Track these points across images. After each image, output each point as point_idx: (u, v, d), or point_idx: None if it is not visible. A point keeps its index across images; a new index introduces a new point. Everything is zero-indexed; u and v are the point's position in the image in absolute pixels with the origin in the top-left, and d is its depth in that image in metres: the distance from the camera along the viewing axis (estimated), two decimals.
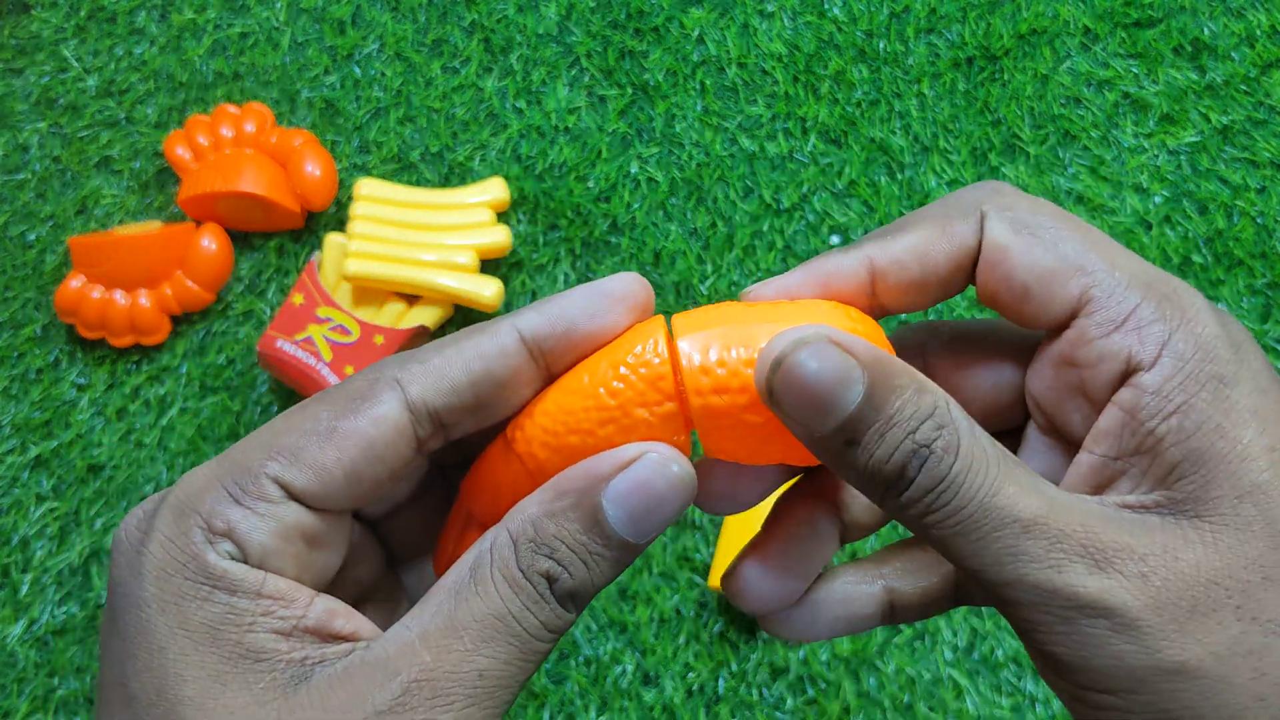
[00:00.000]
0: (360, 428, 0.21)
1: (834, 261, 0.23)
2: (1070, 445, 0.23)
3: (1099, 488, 0.22)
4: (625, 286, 0.23)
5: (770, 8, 0.68)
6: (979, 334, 0.26)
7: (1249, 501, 0.19)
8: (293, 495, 0.21)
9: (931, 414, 0.20)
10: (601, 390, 0.22)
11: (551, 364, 0.23)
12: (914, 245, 0.23)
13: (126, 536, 0.22)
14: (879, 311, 0.24)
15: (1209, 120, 0.64)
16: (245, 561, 0.21)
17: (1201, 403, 0.20)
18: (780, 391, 0.20)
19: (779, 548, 0.25)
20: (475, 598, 0.21)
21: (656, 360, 0.21)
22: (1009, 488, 0.20)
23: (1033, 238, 0.22)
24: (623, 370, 0.22)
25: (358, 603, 0.26)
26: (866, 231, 0.64)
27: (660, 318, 0.23)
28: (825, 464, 0.22)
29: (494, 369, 0.22)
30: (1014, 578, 0.20)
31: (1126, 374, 0.21)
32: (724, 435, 0.22)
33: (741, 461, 0.23)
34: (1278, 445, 0.20)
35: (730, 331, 0.22)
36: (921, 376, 0.21)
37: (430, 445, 0.23)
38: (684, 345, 0.22)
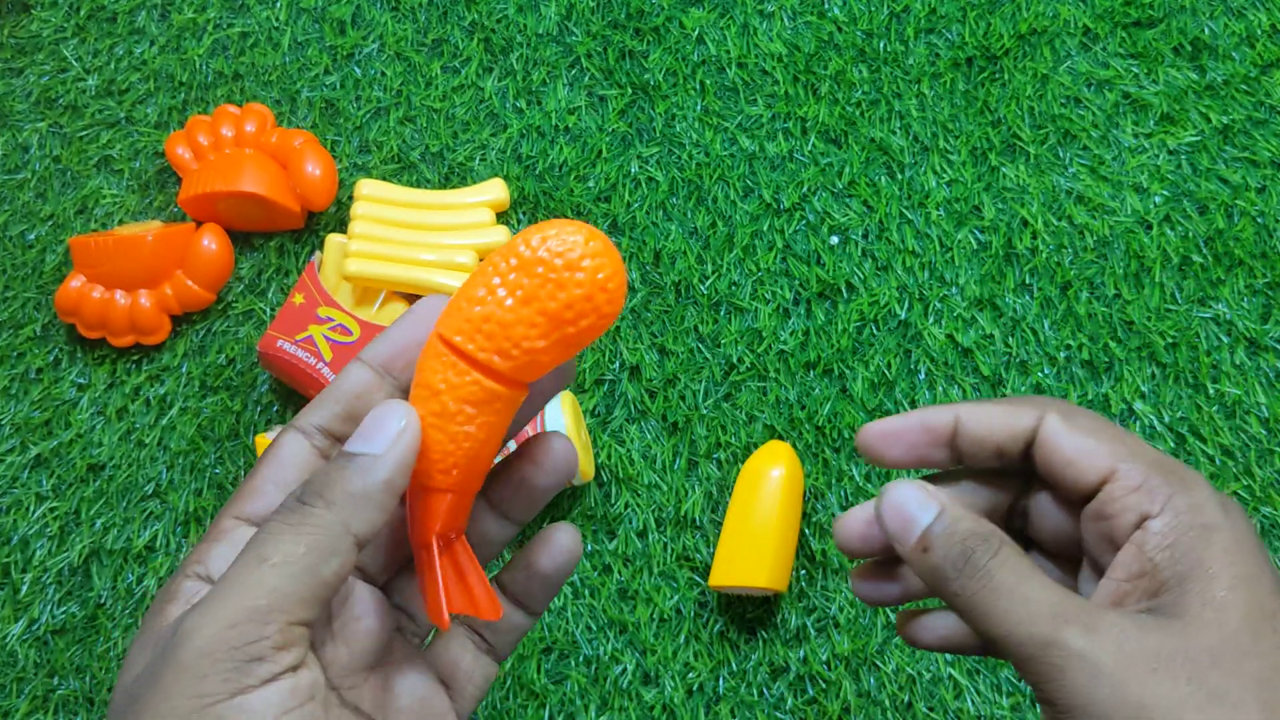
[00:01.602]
0: (275, 457, 0.29)
1: (932, 412, 0.33)
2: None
3: (1118, 599, 0.30)
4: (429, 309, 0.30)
5: (770, 8, 0.68)
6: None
7: (1210, 609, 0.28)
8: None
9: (984, 535, 0.30)
10: (448, 401, 0.27)
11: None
12: (992, 411, 0.32)
13: (125, 685, 0.27)
14: (955, 457, 0.33)
15: (1209, 120, 0.64)
16: None
17: (1188, 541, 0.29)
18: (883, 511, 0.31)
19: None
20: (267, 535, 0.27)
21: (445, 358, 0.27)
22: (1034, 581, 0.29)
23: (1076, 428, 0.31)
24: (438, 381, 0.27)
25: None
26: (866, 232, 0.64)
27: (432, 335, 0.28)
28: (911, 565, 0.31)
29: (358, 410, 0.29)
30: (1026, 635, 0.28)
31: (1139, 522, 0.30)
32: (521, 359, 0.27)
33: (549, 360, 0.28)
34: (1239, 578, 0.28)
35: (478, 315, 0.27)
36: (976, 517, 0.31)
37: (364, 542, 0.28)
38: (456, 337, 0.27)
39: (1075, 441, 0.31)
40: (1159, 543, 0.29)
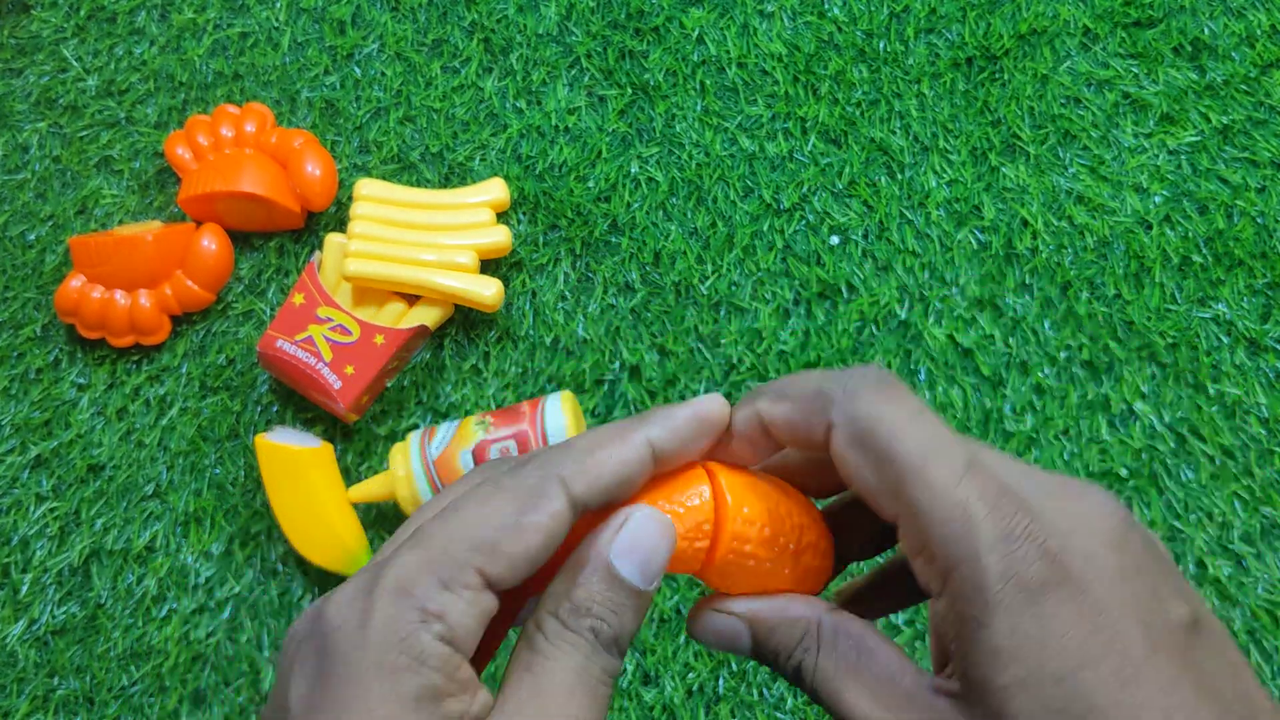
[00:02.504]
0: (541, 523, 0.26)
1: (740, 416, 0.30)
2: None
3: (940, 662, 0.28)
4: (719, 411, 0.30)
5: (770, 8, 0.68)
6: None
7: (993, 696, 0.26)
8: (489, 583, 0.26)
9: (800, 639, 0.30)
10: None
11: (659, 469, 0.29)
12: (788, 419, 0.29)
13: (340, 614, 0.26)
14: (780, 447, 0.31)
15: (1209, 120, 0.64)
16: (453, 642, 0.25)
17: (964, 638, 0.26)
18: (700, 638, 0.31)
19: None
20: (549, 662, 0.27)
21: (699, 504, 0.29)
22: (850, 691, 0.29)
23: (861, 454, 0.27)
24: (674, 507, 0.29)
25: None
26: (866, 232, 0.64)
27: (699, 468, 0.30)
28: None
29: (633, 476, 0.28)
30: None
31: (927, 591, 0.27)
32: (739, 576, 0.30)
33: (741, 593, 0.31)
34: (1013, 682, 0.25)
35: (765, 507, 0.30)
36: (793, 613, 0.30)
37: None
38: (738, 506, 0.29)
39: (856, 471, 0.27)
40: (945, 630, 0.27)
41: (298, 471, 0.58)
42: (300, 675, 0.26)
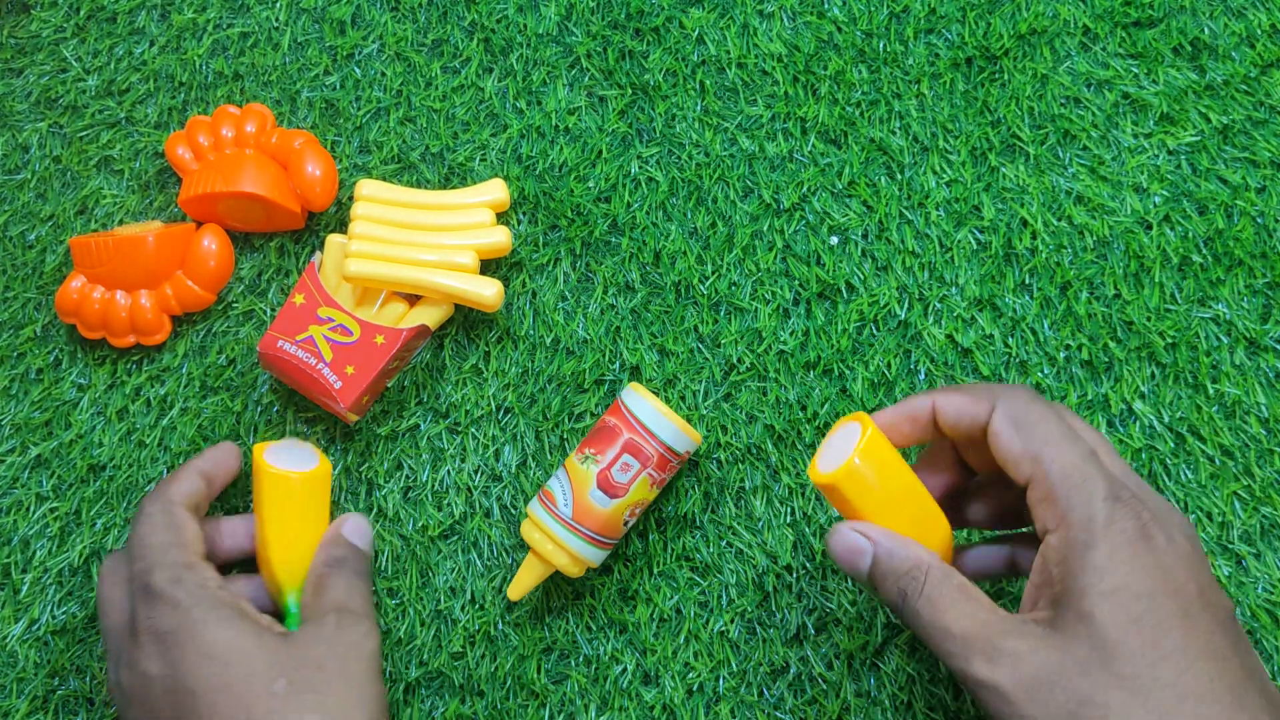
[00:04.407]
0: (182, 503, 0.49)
1: (915, 403, 0.42)
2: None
3: (1033, 602, 0.37)
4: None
5: (770, 8, 0.68)
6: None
7: (1081, 624, 0.34)
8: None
9: (910, 571, 0.38)
10: None
11: None
12: (960, 401, 0.40)
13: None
14: (939, 434, 0.43)
15: (1209, 120, 0.64)
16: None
17: (1072, 558, 0.34)
18: (831, 556, 0.42)
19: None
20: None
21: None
22: (951, 612, 0.36)
23: (1014, 424, 0.38)
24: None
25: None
26: (865, 232, 0.64)
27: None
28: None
29: None
30: (947, 665, 0.36)
31: (1043, 532, 0.36)
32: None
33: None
34: (1106, 590, 0.34)
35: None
36: (912, 548, 0.38)
37: None
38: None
39: (1008, 440, 0.37)
40: (1054, 557, 0.35)
41: (292, 498, 0.57)
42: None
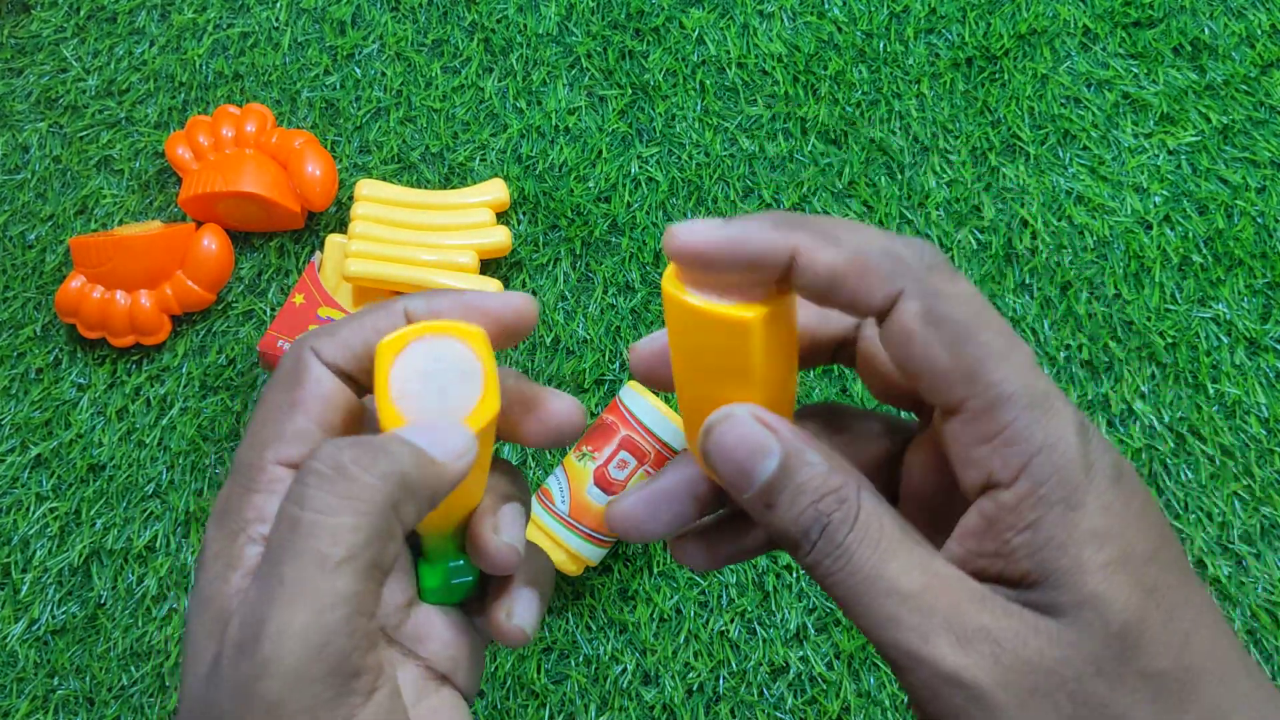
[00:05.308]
0: (309, 392, 0.27)
1: (762, 237, 0.24)
2: (938, 515, 0.27)
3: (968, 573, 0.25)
4: (499, 306, 0.30)
5: (770, 8, 0.68)
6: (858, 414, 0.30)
7: (1088, 608, 0.23)
8: (290, 464, 0.26)
9: (837, 489, 0.25)
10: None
11: None
12: (835, 267, 0.24)
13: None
14: (783, 288, 0.26)
15: (1209, 120, 0.64)
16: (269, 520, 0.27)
17: (1049, 523, 0.23)
18: (711, 456, 0.25)
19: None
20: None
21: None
22: (896, 560, 0.24)
23: (936, 332, 0.24)
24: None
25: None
26: None
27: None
28: (753, 519, 0.26)
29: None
30: (891, 642, 0.24)
31: (987, 486, 0.24)
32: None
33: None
34: (1111, 560, 0.24)
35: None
36: (838, 458, 0.25)
37: None
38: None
39: (926, 353, 0.24)
40: (1014, 523, 0.24)
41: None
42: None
